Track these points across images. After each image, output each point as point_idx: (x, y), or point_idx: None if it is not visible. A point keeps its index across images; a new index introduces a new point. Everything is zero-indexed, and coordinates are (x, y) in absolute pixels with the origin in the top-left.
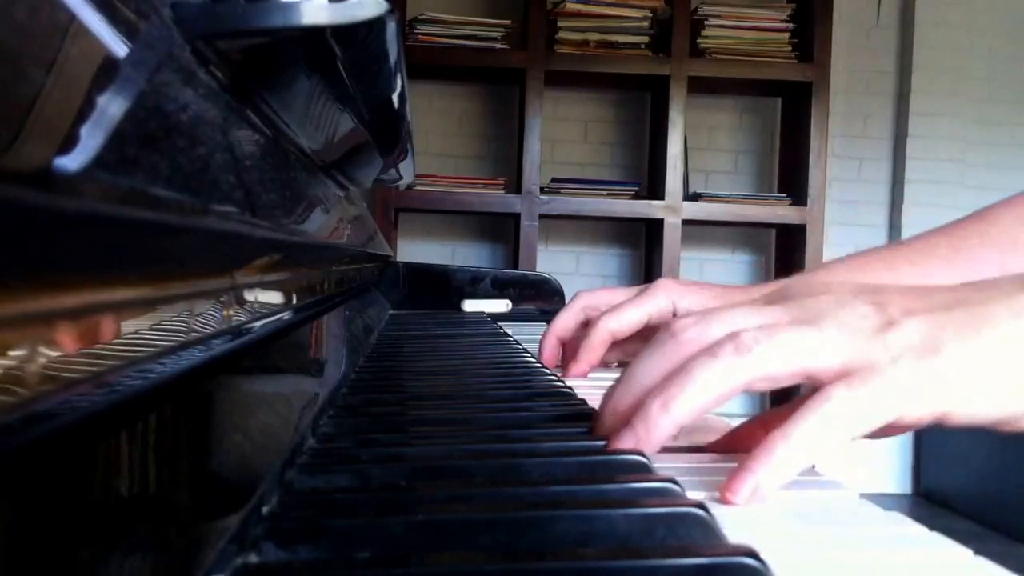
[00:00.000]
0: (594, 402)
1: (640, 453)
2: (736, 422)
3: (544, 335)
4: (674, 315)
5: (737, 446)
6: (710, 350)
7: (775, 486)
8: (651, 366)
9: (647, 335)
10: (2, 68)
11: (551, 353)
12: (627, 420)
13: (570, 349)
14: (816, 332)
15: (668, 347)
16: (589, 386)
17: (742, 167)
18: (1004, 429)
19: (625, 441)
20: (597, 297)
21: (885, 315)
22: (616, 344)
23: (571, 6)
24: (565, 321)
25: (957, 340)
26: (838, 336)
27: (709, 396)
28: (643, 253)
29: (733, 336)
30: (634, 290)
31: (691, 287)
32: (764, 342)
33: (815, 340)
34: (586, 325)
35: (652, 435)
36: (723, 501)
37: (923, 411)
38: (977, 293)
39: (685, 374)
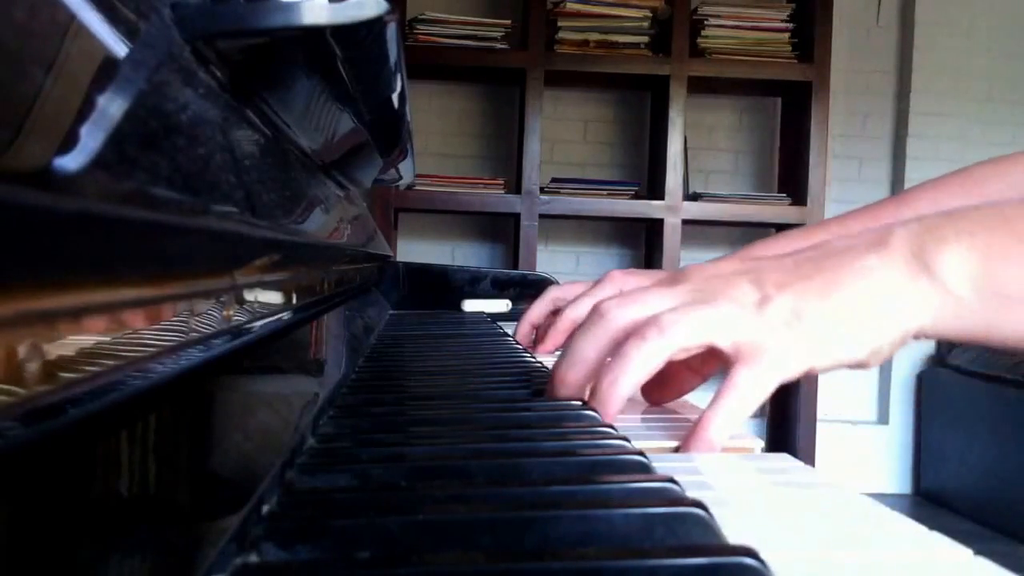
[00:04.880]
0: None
1: (639, 452)
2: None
3: (519, 322)
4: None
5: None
6: (639, 333)
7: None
8: (587, 344)
9: None
10: (2, 68)
11: (525, 335)
12: (575, 391)
13: (541, 332)
14: (714, 310)
15: (599, 327)
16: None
17: (742, 167)
18: (857, 369)
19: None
20: (564, 290)
21: (762, 291)
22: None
23: (571, 6)
24: (538, 310)
25: (816, 306)
26: (729, 312)
27: (645, 370)
28: (643, 253)
29: (655, 320)
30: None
31: (635, 276)
32: (679, 322)
33: (714, 317)
34: (555, 313)
35: (608, 409)
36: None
37: (798, 368)
38: (834, 259)
39: (624, 357)
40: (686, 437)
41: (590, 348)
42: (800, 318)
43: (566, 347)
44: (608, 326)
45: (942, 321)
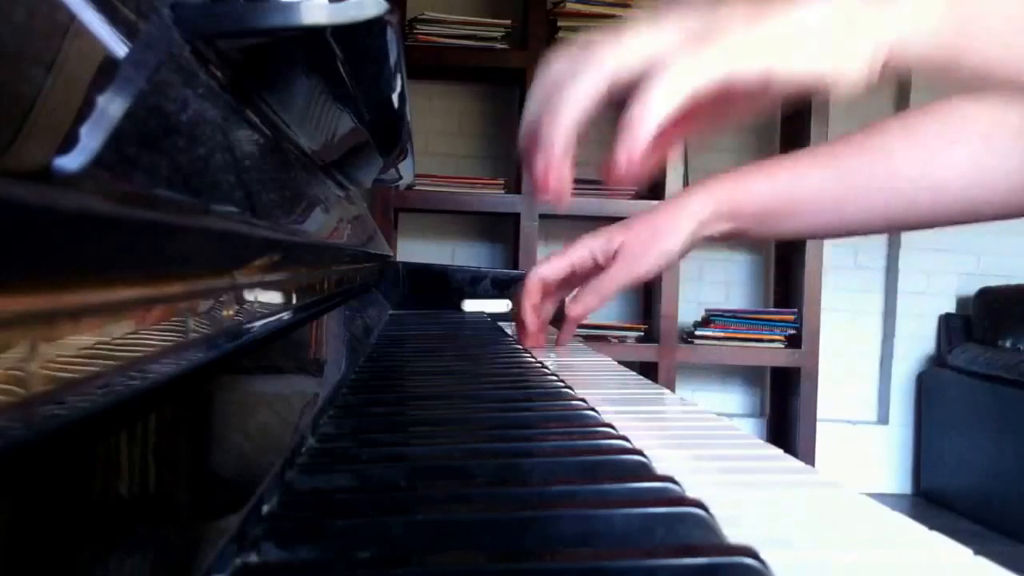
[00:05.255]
0: (595, 403)
1: (639, 452)
2: (737, 422)
3: (519, 316)
4: (595, 263)
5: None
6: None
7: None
8: (576, 99)
9: (575, 284)
10: (2, 68)
11: (532, 323)
12: (557, 181)
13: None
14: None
15: (590, 75)
16: (590, 391)
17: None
18: (820, 89)
19: (620, 153)
20: (539, 264)
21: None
22: (549, 294)
23: (571, 6)
24: (528, 303)
25: (779, 13)
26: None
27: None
28: None
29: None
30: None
31: (603, 233)
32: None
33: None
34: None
35: (639, 138)
36: (607, 179)
37: (753, 63)
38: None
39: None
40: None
41: (578, 102)
42: (760, 21)
43: (547, 112)
44: (602, 71)
45: (908, 43)
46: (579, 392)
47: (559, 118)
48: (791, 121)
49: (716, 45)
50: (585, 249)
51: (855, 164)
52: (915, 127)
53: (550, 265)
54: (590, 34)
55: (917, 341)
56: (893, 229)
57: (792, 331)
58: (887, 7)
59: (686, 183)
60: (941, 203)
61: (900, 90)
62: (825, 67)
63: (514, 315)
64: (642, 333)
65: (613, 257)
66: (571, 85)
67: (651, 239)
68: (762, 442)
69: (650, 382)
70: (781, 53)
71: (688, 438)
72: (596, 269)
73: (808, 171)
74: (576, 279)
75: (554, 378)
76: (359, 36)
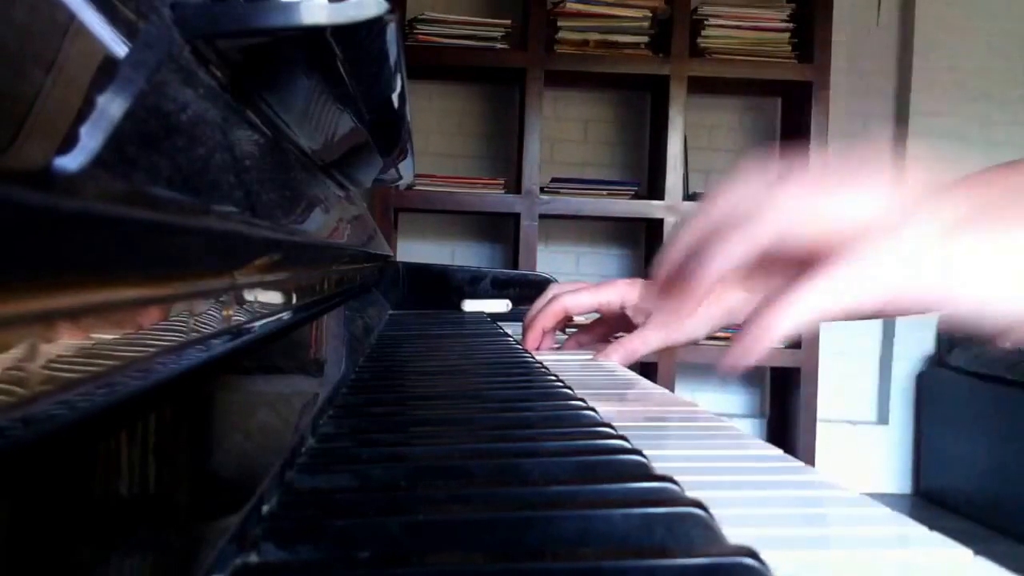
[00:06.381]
0: (597, 403)
1: (638, 452)
2: (737, 422)
3: (527, 329)
4: (621, 309)
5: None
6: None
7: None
8: (731, 248)
9: (599, 329)
10: (2, 68)
11: (535, 342)
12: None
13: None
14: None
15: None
16: (591, 391)
17: None
18: (1004, 340)
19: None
20: (566, 287)
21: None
22: (574, 336)
23: (571, 6)
24: (547, 317)
25: (977, 232)
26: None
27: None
28: (643, 253)
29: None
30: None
31: (639, 285)
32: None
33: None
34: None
35: (767, 337)
36: (725, 369)
37: (872, 302)
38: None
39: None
40: (737, 340)
41: (733, 250)
42: (969, 222)
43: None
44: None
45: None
46: (580, 394)
47: (711, 265)
48: (791, 121)
49: (861, 271)
50: (616, 294)
51: None
52: None
53: (577, 299)
54: (759, 178)
55: (917, 341)
56: None
57: None
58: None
59: (686, 183)
60: None
61: (900, 90)
62: (1016, 312)
63: (525, 324)
64: None
65: (646, 315)
66: (731, 238)
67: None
68: (761, 442)
69: (634, 376)
70: (964, 282)
71: (685, 438)
72: (621, 316)
73: None
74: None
75: (554, 378)
76: (359, 36)
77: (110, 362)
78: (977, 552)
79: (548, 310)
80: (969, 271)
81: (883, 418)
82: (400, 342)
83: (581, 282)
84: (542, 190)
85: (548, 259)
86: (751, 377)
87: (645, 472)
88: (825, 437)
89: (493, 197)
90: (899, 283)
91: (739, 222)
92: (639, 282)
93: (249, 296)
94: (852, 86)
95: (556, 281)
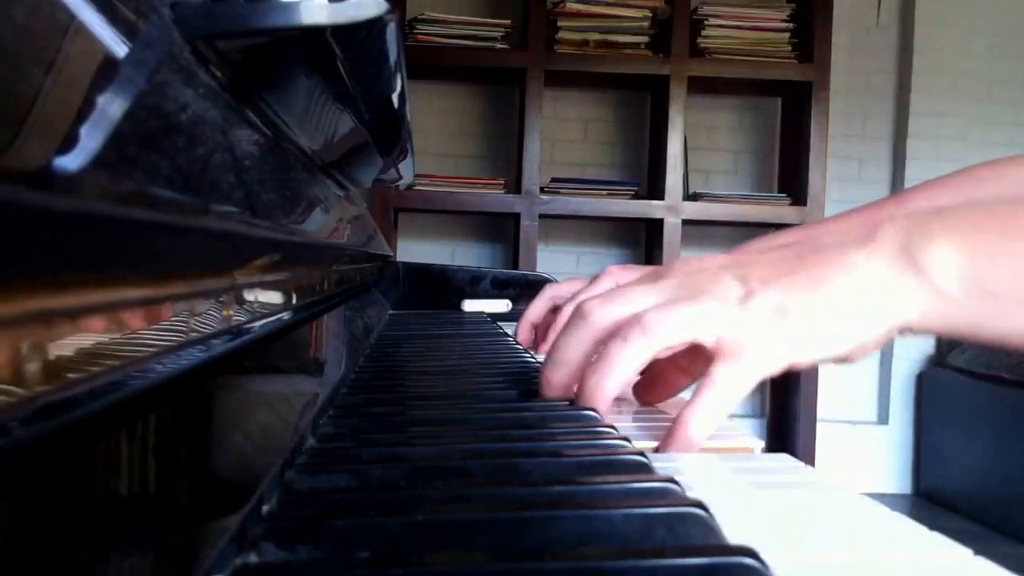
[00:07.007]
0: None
1: (638, 452)
2: (737, 422)
3: (519, 321)
4: None
5: (653, 384)
6: (622, 333)
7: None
8: (570, 345)
9: None
10: (2, 68)
11: (525, 336)
12: (562, 392)
13: (541, 331)
14: (697, 306)
15: (581, 328)
16: None
17: (742, 167)
18: (841, 363)
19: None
20: (562, 288)
21: (746, 286)
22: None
23: (571, 6)
24: (537, 309)
25: (800, 301)
26: (712, 308)
27: (630, 370)
28: (643, 253)
29: (637, 318)
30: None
31: (632, 271)
32: (661, 320)
33: (697, 313)
34: (554, 311)
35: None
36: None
37: (779, 364)
38: (820, 254)
39: (608, 357)
40: (665, 437)
41: (573, 349)
42: (784, 314)
43: (551, 348)
44: (591, 326)
45: (928, 317)
46: None
47: (606, 381)
48: (791, 121)
49: (747, 353)
50: (611, 283)
51: None
52: None
53: (562, 290)
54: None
55: (917, 341)
56: None
57: None
58: (912, 290)
59: (686, 183)
60: None
61: (900, 90)
62: (843, 351)
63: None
64: None
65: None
66: (624, 347)
67: None
68: (760, 441)
69: None
70: (804, 348)
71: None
72: None
73: None
74: None
75: None
76: (359, 36)
77: (110, 362)
78: (977, 552)
79: (537, 304)
80: (802, 339)
81: (883, 418)
82: (400, 342)
83: (577, 279)
84: (542, 190)
85: (548, 259)
86: None
87: (646, 472)
88: (825, 437)
89: (493, 197)
90: (764, 370)
91: (622, 334)
92: (632, 267)
93: (249, 296)
94: (852, 86)
95: (555, 281)
